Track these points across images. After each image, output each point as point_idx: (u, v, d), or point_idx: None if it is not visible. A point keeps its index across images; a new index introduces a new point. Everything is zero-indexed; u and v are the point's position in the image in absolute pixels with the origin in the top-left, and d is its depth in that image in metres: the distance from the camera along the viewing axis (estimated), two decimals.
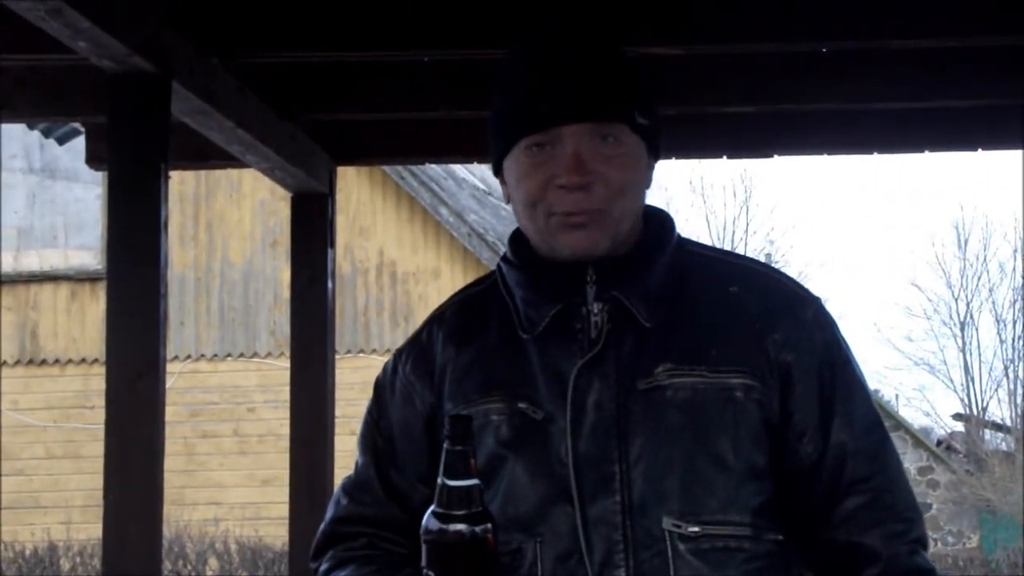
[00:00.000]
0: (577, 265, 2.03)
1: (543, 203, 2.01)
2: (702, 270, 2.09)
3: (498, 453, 2.00)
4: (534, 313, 2.03)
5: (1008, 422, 26.25)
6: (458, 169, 15.98)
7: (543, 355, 2.01)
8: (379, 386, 2.16)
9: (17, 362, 15.03)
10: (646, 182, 2.08)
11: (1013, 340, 27.29)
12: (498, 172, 2.11)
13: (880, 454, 2.06)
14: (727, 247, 25.62)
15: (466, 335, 2.09)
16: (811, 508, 2.03)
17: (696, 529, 1.94)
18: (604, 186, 2.00)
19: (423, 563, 1.81)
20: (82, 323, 15.14)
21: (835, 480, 2.02)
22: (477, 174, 16.74)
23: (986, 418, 27.17)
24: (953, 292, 28.51)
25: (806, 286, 2.14)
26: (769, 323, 2.03)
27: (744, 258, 2.19)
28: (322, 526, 2.16)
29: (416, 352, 2.13)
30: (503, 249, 2.18)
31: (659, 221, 2.11)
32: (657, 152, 2.10)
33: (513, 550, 1.96)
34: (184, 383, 14.37)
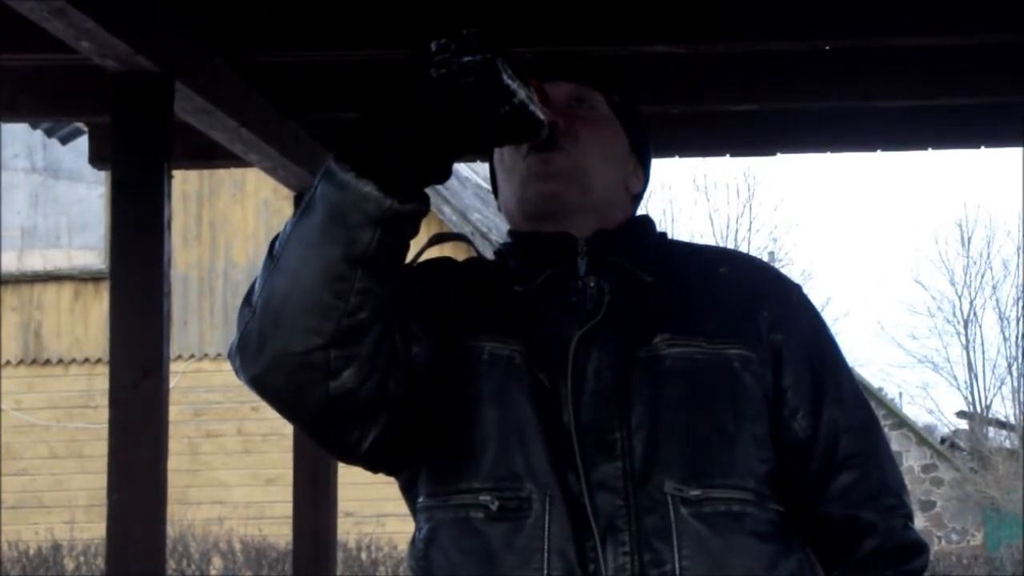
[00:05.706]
0: (567, 236, 2.07)
1: (518, 153, 2.08)
2: (689, 255, 2.16)
3: (512, 392, 1.99)
4: (529, 276, 2.06)
5: (1012, 419, 26.23)
6: (461, 168, 15.95)
7: (542, 324, 2.03)
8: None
9: (20, 362, 15.04)
10: (622, 164, 2.14)
11: (1017, 337, 27.24)
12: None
13: (870, 430, 2.11)
14: (730, 245, 25.59)
15: (473, 286, 2.09)
16: (806, 483, 2.06)
17: (698, 492, 1.95)
18: (574, 137, 2.06)
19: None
20: (85, 323, 15.14)
21: (830, 455, 2.06)
22: (480, 173, 16.73)
23: (990, 415, 27.14)
24: (956, 290, 28.47)
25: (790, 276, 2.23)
26: (758, 302, 2.08)
27: (726, 248, 2.26)
28: None
29: (430, 264, 2.10)
30: None
31: (638, 218, 2.18)
32: (639, 148, 2.16)
33: (523, 498, 1.96)
34: (188, 382, 14.38)
